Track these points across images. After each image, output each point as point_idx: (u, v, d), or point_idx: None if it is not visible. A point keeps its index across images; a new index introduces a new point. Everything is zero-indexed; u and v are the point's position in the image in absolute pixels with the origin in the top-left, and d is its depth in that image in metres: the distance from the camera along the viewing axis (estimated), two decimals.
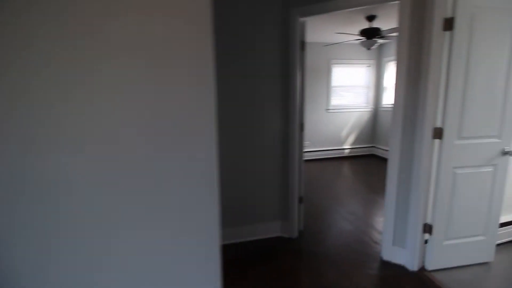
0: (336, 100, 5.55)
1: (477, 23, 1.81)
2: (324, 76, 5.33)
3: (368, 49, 3.59)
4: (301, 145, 2.63)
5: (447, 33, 1.83)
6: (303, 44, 2.52)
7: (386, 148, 5.49)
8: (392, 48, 5.28)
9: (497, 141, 2.00)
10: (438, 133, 1.94)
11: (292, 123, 2.53)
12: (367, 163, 5.35)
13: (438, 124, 1.94)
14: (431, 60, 1.88)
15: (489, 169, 2.04)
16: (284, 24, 2.42)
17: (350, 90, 5.64)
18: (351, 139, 5.73)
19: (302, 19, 2.39)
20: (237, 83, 2.38)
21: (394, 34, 3.79)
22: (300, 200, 2.68)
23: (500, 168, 2.06)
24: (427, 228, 2.08)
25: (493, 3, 1.83)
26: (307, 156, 5.34)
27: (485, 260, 2.18)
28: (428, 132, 1.95)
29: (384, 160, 5.44)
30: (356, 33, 3.46)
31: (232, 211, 2.49)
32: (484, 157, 2.01)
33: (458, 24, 1.79)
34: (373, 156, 5.80)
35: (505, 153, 2.02)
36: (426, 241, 2.12)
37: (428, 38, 1.89)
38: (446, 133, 1.91)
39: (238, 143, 2.45)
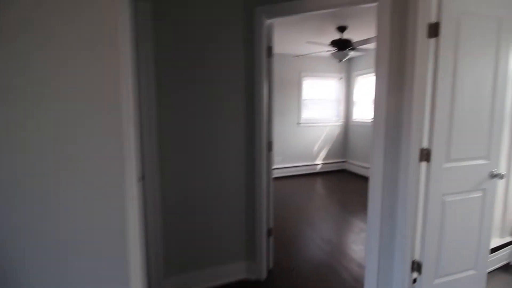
0: (308, 113, 5.33)
1: (463, 31, 1.60)
2: (295, 88, 5.10)
3: (340, 61, 3.40)
4: (269, 169, 2.24)
5: (432, 40, 1.60)
6: (270, 50, 2.18)
7: (358, 163, 5.35)
8: (362, 62, 5.24)
9: (485, 162, 1.78)
10: (425, 155, 1.67)
11: (259, 142, 2.14)
12: (339, 179, 5.13)
13: (425, 144, 1.68)
14: (415, 72, 1.62)
15: (478, 194, 1.81)
16: (247, 26, 2.06)
17: (321, 103, 5.47)
18: (323, 154, 5.51)
19: (268, 21, 2.06)
20: (189, 96, 1.95)
21: (366, 46, 3.66)
22: (269, 232, 2.27)
23: (489, 193, 1.84)
24: (416, 266, 1.78)
25: (480, 9, 1.63)
26: (277, 173, 5.00)
27: None
28: (414, 154, 1.67)
29: (355, 176, 5.28)
30: (327, 43, 3.25)
31: (185, 253, 1.99)
32: (473, 181, 1.78)
33: (444, 30, 1.56)
34: (344, 172, 5.63)
35: (493, 176, 1.81)
36: (414, 280, 1.81)
37: (411, 46, 1.64)
38: (434, 155, 1.65)
39: (194, 169, 2.00)
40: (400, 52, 1.70)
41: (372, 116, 1.80)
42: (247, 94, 2.13)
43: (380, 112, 1.75)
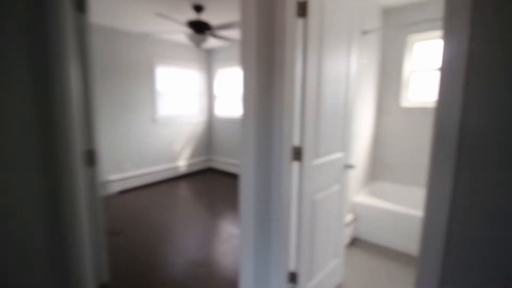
0: (165, 108, 4.59)
1: (326, 11, 1.48)
2: (146, 78, 4.22)
3: (198, 46, 2.94)
4: (95, 194, 1.46)
5: (301, 21, 1.38)
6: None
7: (224, 160, 5.19)
8: (224, 54, 5.03)
9: (341, 155, 1.83)
10: (297, 154, 1.47)
11: (66, 154, 1.32)
12: (206, 179, 4.78)
13: (297, 142, 1.48)
14: (286, 59, 1.37)
15: (337, 186, 1.84)
16: None
17: (182, 96, 4.87)
18: (186, 153, 4.96)
19: None
20: None
21: (228, 34, 3.38)
22: None
23: (344, 184, 1.92)
24: (292, 277, 1.59)
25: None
26: (128, 184, 4.02)
27: (339, 282, 2.01)
28: (286, 154, 1.44)
29: (221, 173, 5.10)
30: (183, 22, 2.70)
31: None
32: (334, 174, 1.78)
33: (311, 9, 1.37)
34: (211, 170, 5.34)
35: (347, 167, 1.89)
36: None
37: (280, 27, 1.37)
38: (305, 153, 1.47)
39: None
40: (268, 32, 1.40)
41: (242, 113, 1.43)
42: (37, 81, 1.25)
43: (249, 108, 1.40)
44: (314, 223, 1.64)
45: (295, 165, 1.49)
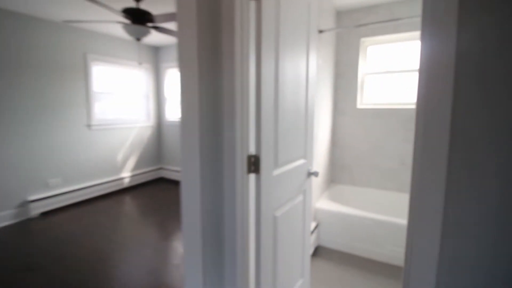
0: (104, 112, 4.00)
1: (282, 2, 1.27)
2: (79, 76, 3.60)
3: (137, 39, 2.53)
4: None
5: (253, 3, 1.14)
6: None
7: (176, 168, 4.73)
8: (173, 52, 4.60)
9: (304, 161, 1.63)
10: (254, 164, 1.22)
11: None
12: (156, 191, 4.28)
13: (252, 149, 1.23)
14: (236, 50, 1.12)
15: (301, 197, 1.64)
16: None
17: (125, 99, 4.31)
18: (131, 163, 4.39)
19: None
20: None
21: (172, 27, 3.01)
22: None
23: (308, 194, 1.73)
24: None
25: None
26: (55, 204, 3.36)
27: None
28: (240, 164, 1.18)
29: (174, 183, 4.64)
30: (119, 10, 2.28)
31: None
32: (297, 184, 1.57)
33: None
34: (162, 180, 4.83)
35: (310, 174, 1.71)
36: None
37: (228, 10, 1.11)
38: (263, 162, 1.23)
39: None
40: (213, 22, 1.13)
41: (180, 116, 1.13)
42: None
43: (191, 110, 1.11)
44: (277, 243, 1.40)
45: (252, 177, 1.24)
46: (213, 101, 1.16)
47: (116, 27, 3.52)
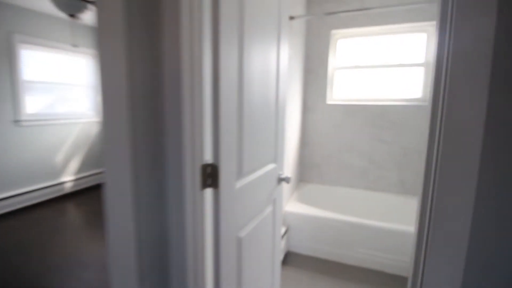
0: (38, 106, 3.37)
1: None
2: (4, 63, 2.95)
3: (72, 15, 2.05)
4: None
5: None
6: None
7: None
8: None
9: (274, 166, 1.38)
10: (211, 176, 0.93)
11: None
12: (100, 198, 3.75)
13: (208, 157, 0.94)
14: (182, 31, 0.81)
15: (270, 208, 1.39)
16: None
17: (66, 90, 3.69)
18: (75, 165, 3.80)
19: None
20: None
21: None
22: None
23: (278, 203, 1.49)
24: None
25: None
26: None
27: None
28: (191, 176, 0.89)
29: None
30: None
31: None
32: (266, 194, 1.32)
33: None
34: None
35: (281, 180, 1.46)
36: None
37: None
38: (223, 172, 0.95)
39: None
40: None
41: (101, 112, 0.79)
42: None
43: (117, 103, 0.78)
44: (242, 267, 1.14)
45: (208, 193, 0.95)
46: (152, 91, 0.84)
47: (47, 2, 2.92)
